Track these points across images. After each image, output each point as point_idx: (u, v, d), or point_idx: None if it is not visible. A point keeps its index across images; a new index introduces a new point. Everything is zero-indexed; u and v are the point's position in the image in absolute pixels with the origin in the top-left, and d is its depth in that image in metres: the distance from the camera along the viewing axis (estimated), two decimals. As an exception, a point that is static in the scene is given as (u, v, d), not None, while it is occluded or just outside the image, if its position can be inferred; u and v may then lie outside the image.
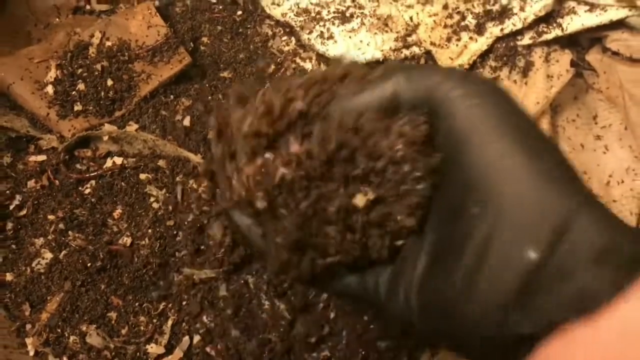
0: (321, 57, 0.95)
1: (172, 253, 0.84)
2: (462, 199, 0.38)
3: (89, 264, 0.81)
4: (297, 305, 0.80)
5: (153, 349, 0.78)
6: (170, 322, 0.80)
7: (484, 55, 0.90)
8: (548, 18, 0.90)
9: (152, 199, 0.86)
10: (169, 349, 0.79)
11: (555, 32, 0.89)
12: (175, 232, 0.84)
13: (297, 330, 0.80)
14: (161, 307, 0.81)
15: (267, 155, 0.47)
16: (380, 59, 0.91)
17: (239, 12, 1.01)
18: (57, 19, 0.97)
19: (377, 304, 0.47)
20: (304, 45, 0.96)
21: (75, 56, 0.91)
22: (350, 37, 0.93)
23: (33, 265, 0.82)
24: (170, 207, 0.85)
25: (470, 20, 0.90)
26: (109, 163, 0.88)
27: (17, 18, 0.96)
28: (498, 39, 0.90)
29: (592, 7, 0.89)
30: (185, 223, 0.84)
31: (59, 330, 0.79)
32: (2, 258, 0.84)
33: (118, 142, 0.88)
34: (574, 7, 0.90)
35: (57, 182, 0.87)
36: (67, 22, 0.96)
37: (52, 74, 0.89)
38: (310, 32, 0.94)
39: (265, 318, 0.80)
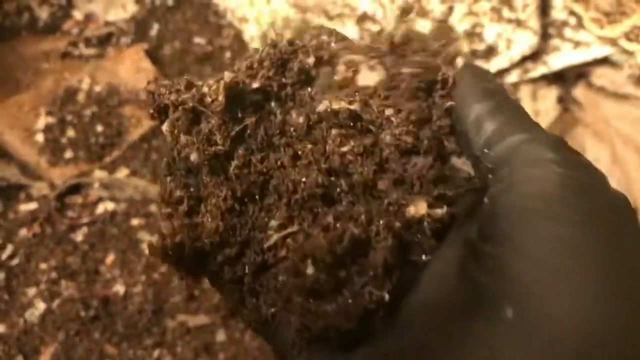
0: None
1: (165, 299, 0.83)
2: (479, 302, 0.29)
3: (82, 313, 0.81)
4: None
5: (149, 399, 0.78)
6: (165, 370, 0.80)
7: (471, 93, 0.91)
8: (534, 56, 0.91)
9: (144, 245, 0.86)
10: (165, 398, 0.78)
11: (541, 70, 0.90)
12: (168, 278, 0.84)
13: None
14: (156, 354, 0.81)
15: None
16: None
17: (227, 54, 1.02)
18: (46, 65, 0.97)
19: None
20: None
21: (64, 102, 0.91)
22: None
23: (26, 315, 0.82)
24: (163, 253, 0.85)
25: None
26: (100, 209, 0.88)
27: (5, 66, 0.96)
28: (485, 77, 0.91)
29: (576, 44, 0.90)
30: (179, 269, 0.84)
31: (53, 382, 0.79)
32: (-6, 309, 0.83)
33: (109, 188, 0.88)
34: (558, 45, 0.91)
35: (48, 230, 0.87)
36: (56, 68, 0.96)
37: (42, 121, 0.89)
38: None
39: (262, 363, 0.80)
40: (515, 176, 0.30)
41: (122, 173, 0.89)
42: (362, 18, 0.92)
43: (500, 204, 0.30)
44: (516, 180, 0.30)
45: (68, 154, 0.89)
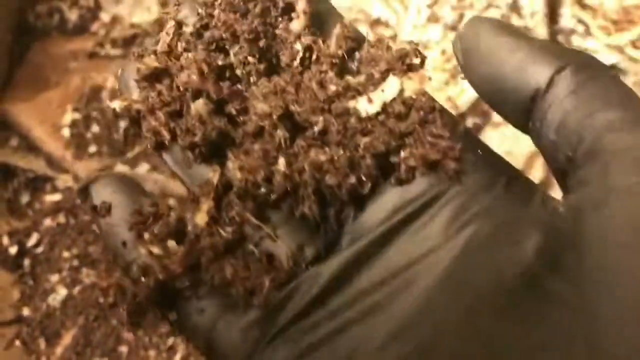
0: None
1: (180, 289, 0.87)
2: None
3: (101, 300, 0.84)
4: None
5: (161, 382, 0.81)
6: (178, 356, 0.83)
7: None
8: (542, 62, 0.93)
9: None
10: (177, 382, 0.82)
11: (549, 76, 0.92)
12: (183, 269, 0.88)
13: None
14: (170, 341, 0.84)
15: None
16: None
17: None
18: (74, 64, 1.01)
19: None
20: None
21: (90, 100, 0.96)
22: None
23: (48, 300, 0.86)
24: (179, 245, 0.89)
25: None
26: (121, 202, 0.92)
27: (35, 64, 1.01)
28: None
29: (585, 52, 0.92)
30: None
31: (73, 364, 0.82)
32: (19, 293, 0.87)
33: (130, 181, 0.92)
34: (566, 52, 0.93)
35: (72, 220, 0.91)
36: (83, 67, 1.01)
37: (69, 117, 0.94)
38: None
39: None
40: (608, 185, 0.21)
41: (143, 168, 0.93)
42: (375, 23, 0.95)
43: (587, 227, 0.21)
44: (610, 193, 0.21)
45: (92, 149, 0.93)
